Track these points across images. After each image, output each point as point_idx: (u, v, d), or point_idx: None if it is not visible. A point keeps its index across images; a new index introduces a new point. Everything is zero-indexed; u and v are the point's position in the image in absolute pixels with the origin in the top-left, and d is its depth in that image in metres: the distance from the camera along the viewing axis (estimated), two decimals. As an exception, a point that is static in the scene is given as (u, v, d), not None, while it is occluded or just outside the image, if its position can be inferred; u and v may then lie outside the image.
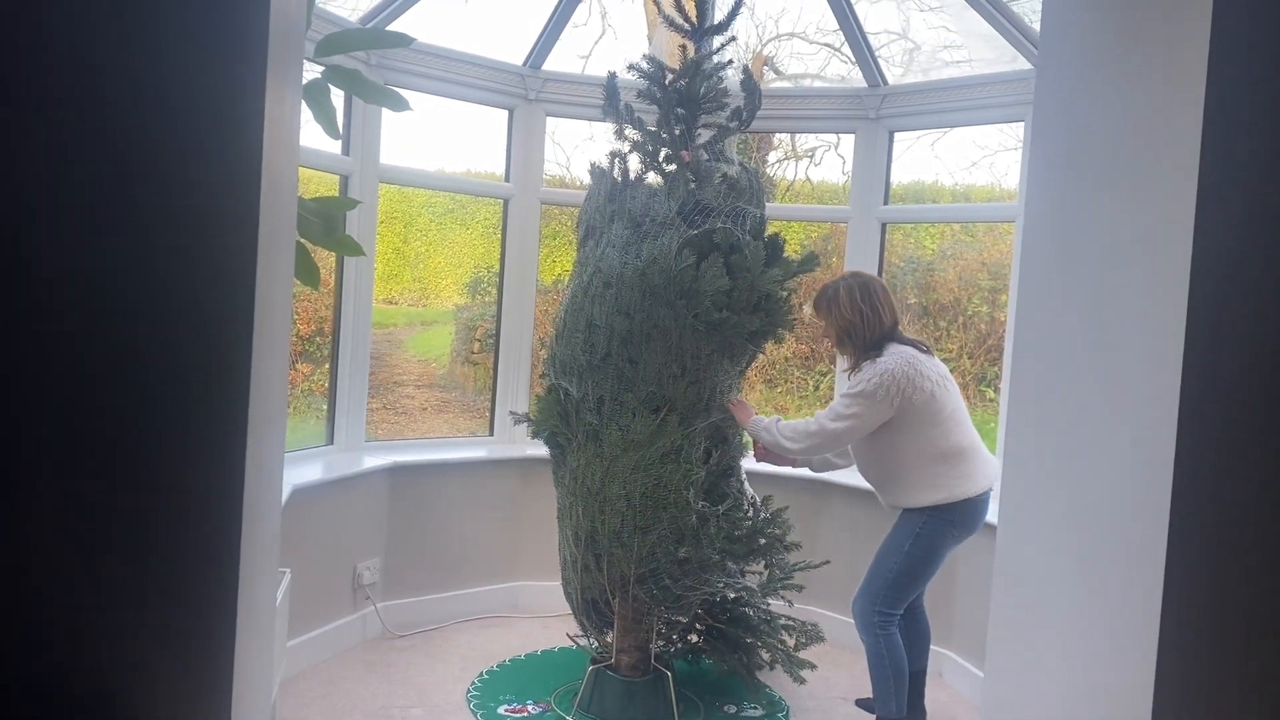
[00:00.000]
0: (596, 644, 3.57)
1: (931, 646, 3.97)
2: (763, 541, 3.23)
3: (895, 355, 3.12)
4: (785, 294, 3.34)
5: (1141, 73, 1.82)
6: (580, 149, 8.28)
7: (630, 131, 3.44)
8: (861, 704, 3.51)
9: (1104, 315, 1.84)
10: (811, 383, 7.74)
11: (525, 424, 3.61)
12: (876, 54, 4.40)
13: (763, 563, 3.35)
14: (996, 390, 5.68)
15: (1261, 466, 1.39)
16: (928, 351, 3.21)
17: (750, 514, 3.31)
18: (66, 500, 0.95)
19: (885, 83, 4.36)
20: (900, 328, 3.27)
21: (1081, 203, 1.95)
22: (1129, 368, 1.75)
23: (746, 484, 3.45)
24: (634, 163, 3.43)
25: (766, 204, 3.47)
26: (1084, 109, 1.97)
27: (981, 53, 5.03)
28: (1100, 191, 1.91)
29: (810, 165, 8.88)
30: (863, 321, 3.19)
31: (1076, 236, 1.96)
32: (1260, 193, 1.43)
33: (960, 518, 3.13)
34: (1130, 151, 1.84)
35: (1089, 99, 1.96)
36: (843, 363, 3.45)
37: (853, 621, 3.29)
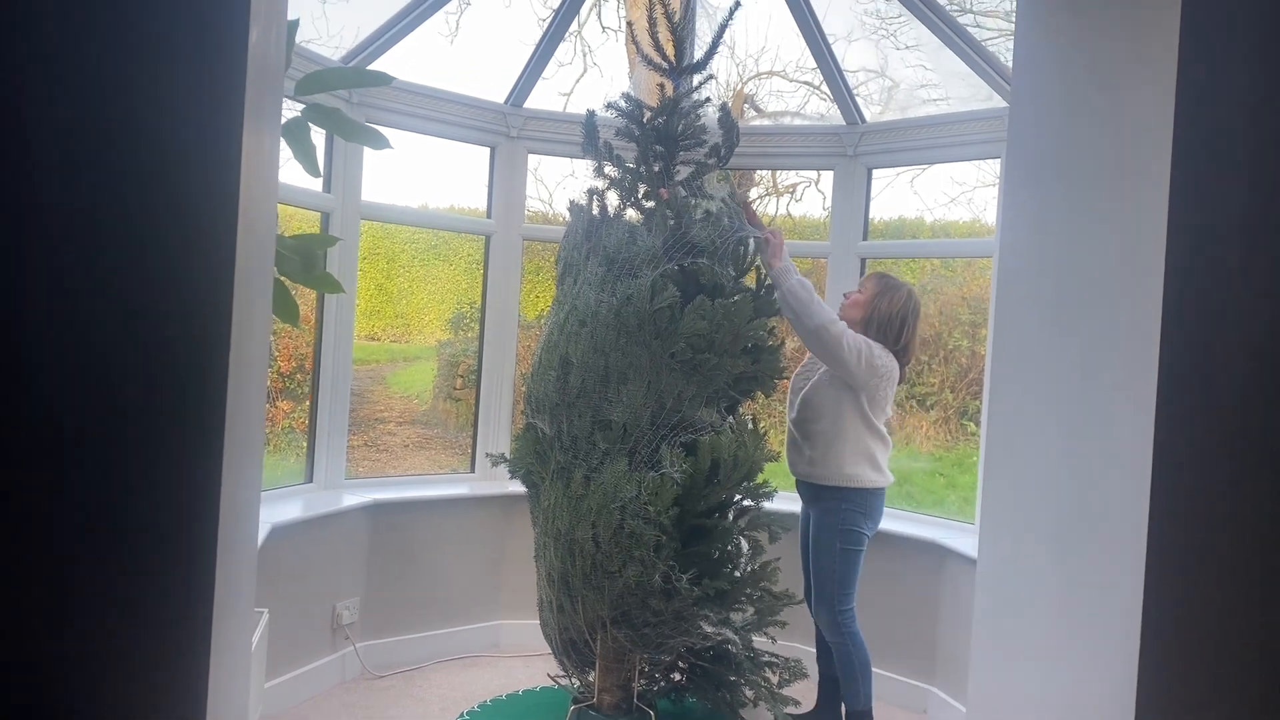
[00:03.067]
0: (578, 683, 3.54)
1: (915, 683, 3.97)
2: (749, 592, 3.21)
3: (892, 358, 3.41)
4: (776, 344, 3.35)
5: (1111, 109, 1.85)
6: (563, 185, 8.34)
7: (609, 169, 3.46)
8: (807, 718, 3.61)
9: (1078, 349, 1.86)
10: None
11: (502, 464, 3.59)
12: (855, 92, 4.46)
13: (750, 608, 3.33)
14: (978, 424, 5.71)
15: (1238, 497, 1.40)
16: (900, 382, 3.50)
17: (735, 566, 3.27)
18: (34, 537, 0.94)
19: (863, 120, 4.41)
20: (906, 366, 3.50)
21: (1054, 237, 1.98)
22: (1104, 400, 1.77)
23: (741, 539, 3.39)
24: (612, 199, 3.45)
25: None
26: (1056, 145, 2.00)
27: (958, 90, 5.10)
28: (1072, 226, 1.93)
29: (792, 201, 8.96)
30: (889, 325, 3.42)
31: (1050, 270, 1.99)
32: (1230, 226, 1.45)
33: (872, 508, 3.41)
34: (1101, 186, 1.86)
35: (1060, 135, 1.99)
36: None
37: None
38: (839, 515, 3.38)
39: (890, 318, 3.42)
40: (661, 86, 3.47)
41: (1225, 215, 1.46)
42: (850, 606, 3.41)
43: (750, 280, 3.47)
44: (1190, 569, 1.47)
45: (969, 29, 5.41)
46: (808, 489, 3.51)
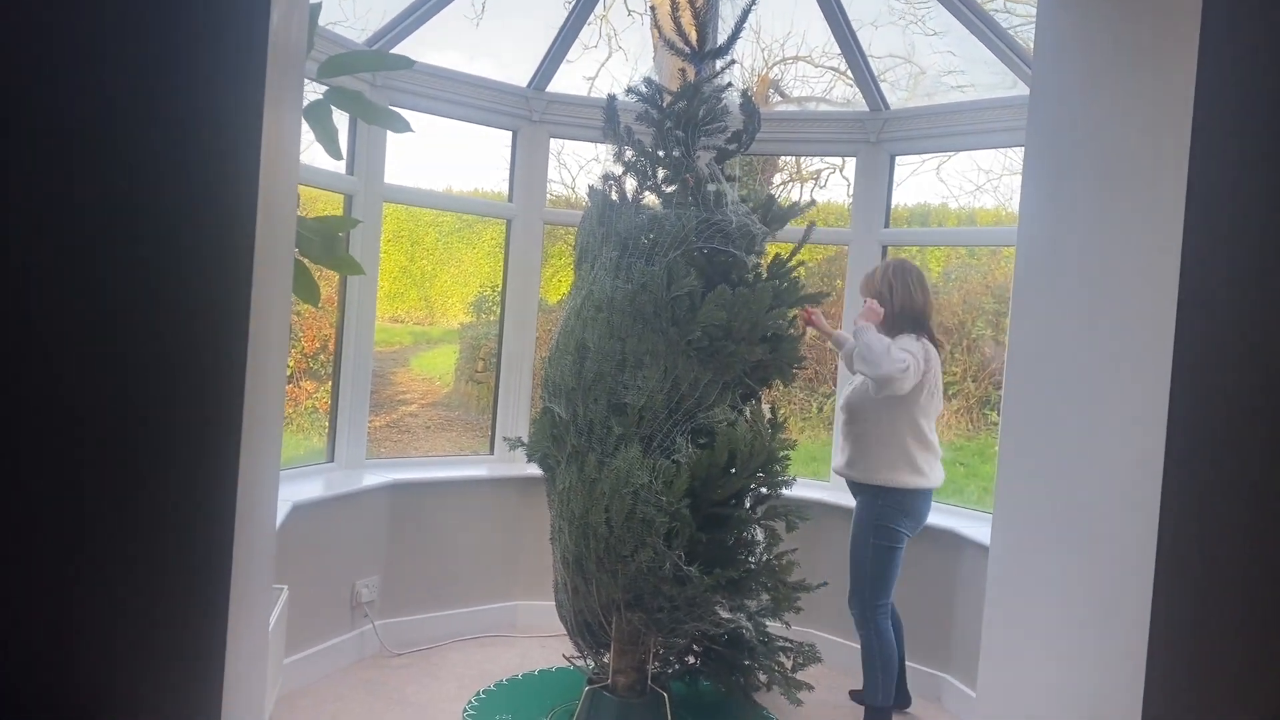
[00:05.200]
0: (593, 664, 3.57)
1: (930, 670, 3.97)
2: (763, 581, 3.22)
3: (925, 345, 3.45)
4: (796, 333, 3.36)
5: (1131, 97, 1.84)
6: (586, 169, 8.34)
7: (629, 153, 3.46)
8: (855, 696, 3.74)
9: (1095, 339, 1.85)
10: (815, 405, 7.74)
11: (520, 448, 3.61)
12: (880, 78, 4.43)
13: (765, 595, 3.34)
14: (999, 414, 5.69)
15: (1247, 489, 1.39)
16: (939, 353, 3.55)
17: (751, 554, 3.27)
18: (53, 515, 0.96)
19: (886, 107, 4.39)
20: (930, 321, 3.56)
21: (1074, 226, 1.97)
22: (1119, 391, 1.76)
23: (757, 528, 3.37)
24: (630, 184, 3.45)
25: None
26: (1076, 131, 1.99)
27: (984, 77, 5.06)
28: (1093, 214, 1.92)
29: (815, 187, 8.92)
30: (890, 293, 3.51)
31: (1070, 260, 1.97)
32: (1246, 214, 1.44)
33: (912, 507, 3.44)
34: (1120, 175, 1.85)
35: (1081, 121, 1.98)
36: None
37: (845, 636, 3.37)
38: (875, 511, 3.44)
39: (909, 305, 3.51)
40: (683, 71, 3.46)
41: (1242, 203, 1.45)
42: (883, 602, 3.46)
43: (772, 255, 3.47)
44: (1199, 559, 1.47)
45: (997, 15, 5.37)
46: (851, 483, 3.59)
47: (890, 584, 3.45)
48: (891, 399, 3.39)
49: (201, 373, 1.09)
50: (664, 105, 3.39)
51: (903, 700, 3.67)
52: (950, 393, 7.31)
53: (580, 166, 8.49)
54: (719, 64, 3.48)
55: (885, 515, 3.42)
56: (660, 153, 3.40)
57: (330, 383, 4.30)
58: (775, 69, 8.98)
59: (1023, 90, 3.97)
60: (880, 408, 3.43)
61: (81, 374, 0.97)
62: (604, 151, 6.15)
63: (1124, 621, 1.63)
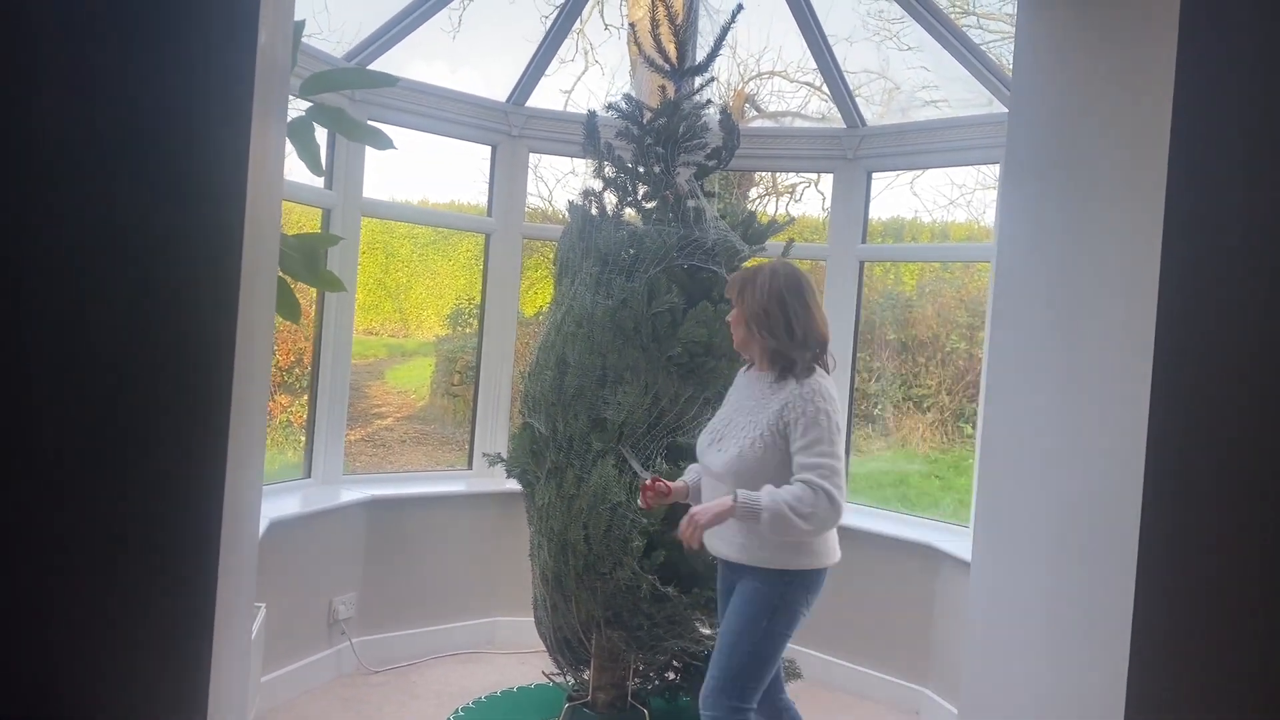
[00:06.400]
0: (573, 681, 3.55)
1: (908, 684, 3.96)
2: None
3: (827, 379, 2.56)
4: None
5: (1111, 115, 1.87)
6: (563, 182, 8.34)
7: (609, 169, 3.47)
8: None
9: (1073, 353, 1.88)
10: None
11: (499, 464, 3.61)
12: (855, 94, 4.48)
13: None
14: (974, 427, 5.74)
15: (1228, 500, 1.42)
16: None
17: None
18: (39, 532, 0.95)
19: (863, 124, 4.43)
20: (826, 356, 2.60)
21: (1052, 242, 2.00)
22: (1098, 405, 1.78)
23: None
24: (610, 200, 3.46)
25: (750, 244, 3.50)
26: (1054, 150, 2.02)
27: (958, 93, 5.12)
28: (1071, 231, 1.95)
29: (791, 201, 8.97)
30: (770, 321, 2.54)
31: (1048, 275, 2.00)
32: (1224, 230, 1.47)
33: (817, 585, 2.57)
34: (1098, 193, 1.88)
35: (1059, 140, 2.01)
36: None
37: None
38: (780, 585, 2.55)
39: (766, 313, 2.53)
40: (663, 88, 3.48)
41: (1220, 221, 1.48)
42: (750, 706, 2.56)
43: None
44: (1180, 574, 1.48)
45: (971, 31, 5.44)
46: (738, 566, 2.61)
47: (764, 680, 2.57)
48: (782, 463, 2.51)
49: (189, 392, 1.09)
50: (644, 122, 3.41)
51: None
52: (925, 406, 7.36)
53: (557, 180, 8.49)
54: (698, 81, 3.50)
55: (789, 593, 2.54)
56: (640, 169, 3.41)
57: (305, 396, 4.27)
58: (751, 84, 9.04)
59: (997, 107, 4.02)
60: (765, 471, 2.50)
61: (69, 394, 0.97)
62: (581, 165, 6.15)
63: (1107, 635, 1.65)
